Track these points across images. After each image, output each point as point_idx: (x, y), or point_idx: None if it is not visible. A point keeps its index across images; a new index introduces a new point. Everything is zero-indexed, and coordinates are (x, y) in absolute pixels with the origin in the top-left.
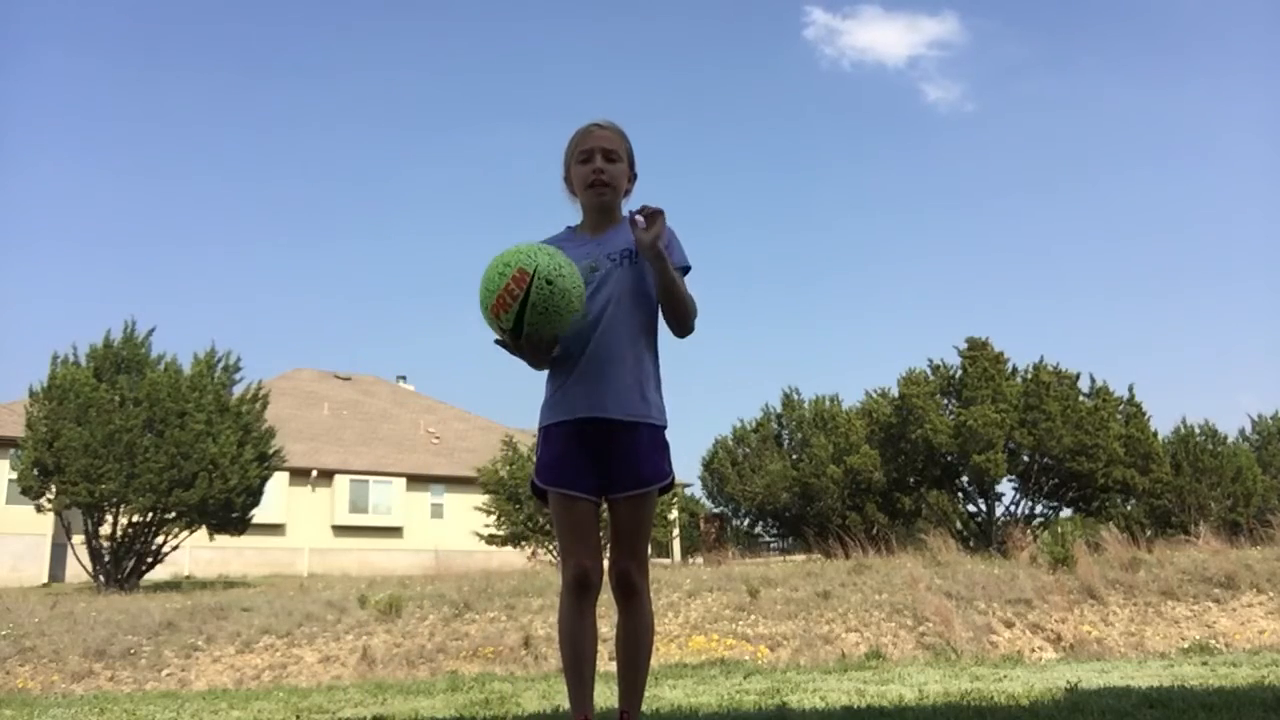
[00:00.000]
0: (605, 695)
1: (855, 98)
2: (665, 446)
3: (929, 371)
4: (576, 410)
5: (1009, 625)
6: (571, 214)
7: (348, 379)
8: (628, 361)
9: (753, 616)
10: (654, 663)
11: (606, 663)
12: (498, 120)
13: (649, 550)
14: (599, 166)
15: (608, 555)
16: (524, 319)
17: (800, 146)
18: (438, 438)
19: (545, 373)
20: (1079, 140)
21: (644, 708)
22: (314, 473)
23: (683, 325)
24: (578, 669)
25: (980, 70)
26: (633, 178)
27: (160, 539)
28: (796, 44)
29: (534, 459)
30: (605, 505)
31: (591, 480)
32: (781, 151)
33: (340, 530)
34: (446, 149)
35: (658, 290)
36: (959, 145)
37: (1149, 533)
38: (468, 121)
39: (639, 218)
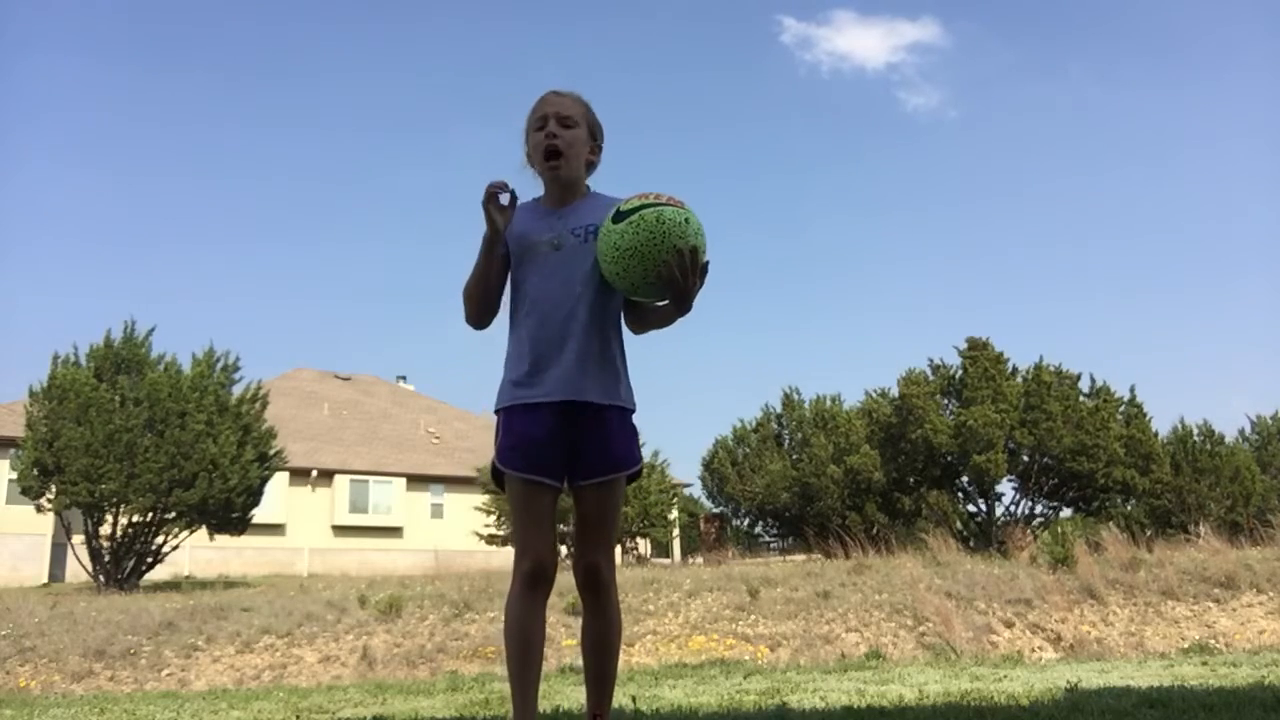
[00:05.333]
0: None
1: (839, 103)
2: (635, 432)
3: (929, 371)
4: (551, 393)
5: (1009, 625)
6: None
7: (348, 379)
8: (599, 343)
9: (753, 616)
10: (654, 662)
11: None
12: (497, 122)
13: (617, 543)
14: (552, 131)
15: (570, 549)
16: (634, 224)
17: (794, 150)
18: (438, 438)
19: (506, 349)
20: (1074, 142)
21: (644, 708)
22: (314, 473)
23: (644, 331)
24: (525, 666)
25: (965, 74)
26: (596, 149)
27: (160, 539)
28: (774, 51)
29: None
30: (571, 494)
31: (558, 466)
32: (775, 155)
33: (340, 530)
34: (446, 150)
35: (650, 314)
36: (953, 147)
37: (1149, 533)
38: (466, 123)
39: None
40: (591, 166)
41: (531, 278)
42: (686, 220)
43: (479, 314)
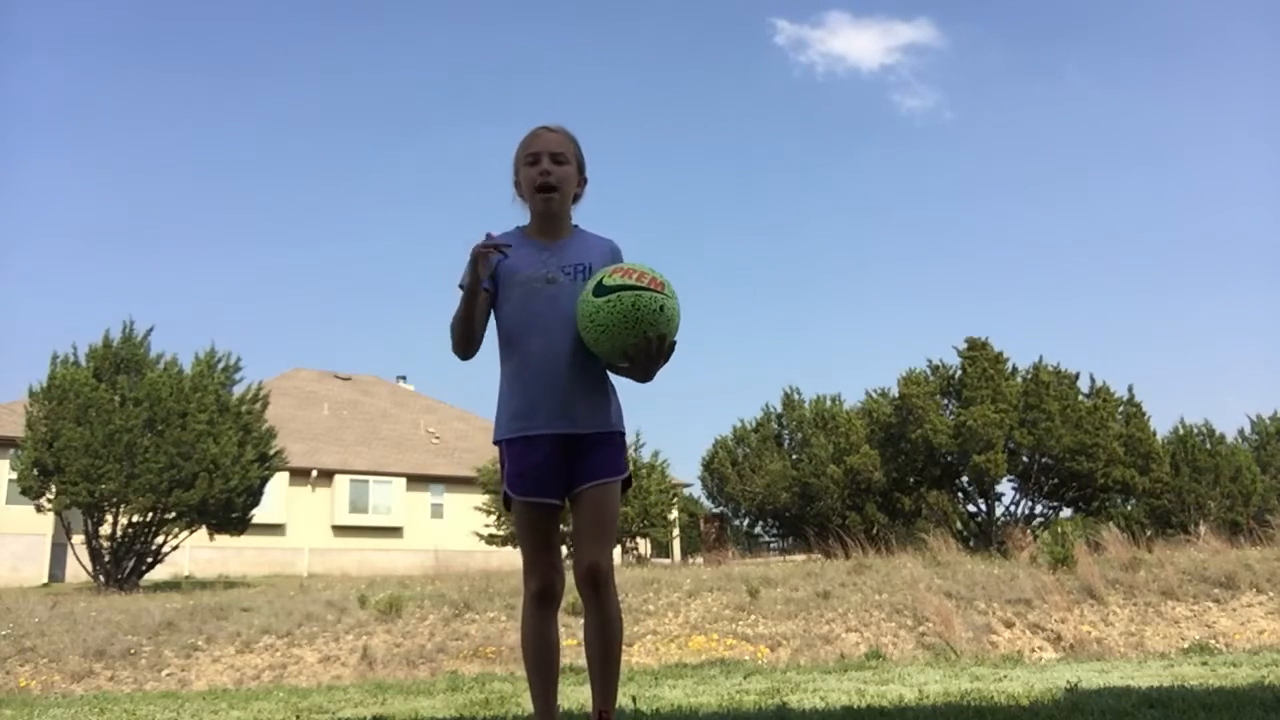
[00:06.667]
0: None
1: (834, 105)
2: (623, 446)
3: (929, 371)
4: (546, 427)
5: (1009, 625)
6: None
7: (348, 379)
8: (588, 374)
9: (753, 616)
10: (654, 662)
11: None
12: (495, 122)
13: (617, 543)
14: (545, 169)
15: (570, 556)
16: (609, 306)
17: (791, 151)
18: (438, 438)
19: (503, 379)
20: (1072, 142)
21: (644, 708)
22: (314, 473)
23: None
24: (544, 680)
25: (961, 75)
26: (582, 182)
27: (160, 539)
28: (768, 53)
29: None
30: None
31: (559, 486)
32: (772, 156)
33: (340, 530)
34: (445, 150)
35: (627, 371)
36: (951, 148)
37: (1149, 533)
38: (465, 123)
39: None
40: (577, 199)
41: (523, 312)
42: (661, 308)
43: (465, 350)
